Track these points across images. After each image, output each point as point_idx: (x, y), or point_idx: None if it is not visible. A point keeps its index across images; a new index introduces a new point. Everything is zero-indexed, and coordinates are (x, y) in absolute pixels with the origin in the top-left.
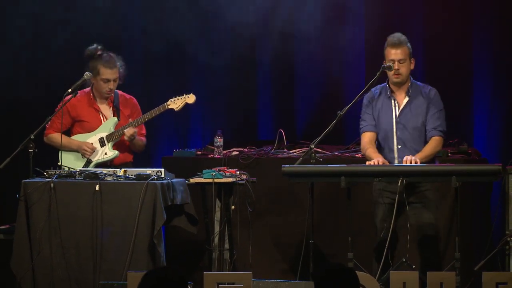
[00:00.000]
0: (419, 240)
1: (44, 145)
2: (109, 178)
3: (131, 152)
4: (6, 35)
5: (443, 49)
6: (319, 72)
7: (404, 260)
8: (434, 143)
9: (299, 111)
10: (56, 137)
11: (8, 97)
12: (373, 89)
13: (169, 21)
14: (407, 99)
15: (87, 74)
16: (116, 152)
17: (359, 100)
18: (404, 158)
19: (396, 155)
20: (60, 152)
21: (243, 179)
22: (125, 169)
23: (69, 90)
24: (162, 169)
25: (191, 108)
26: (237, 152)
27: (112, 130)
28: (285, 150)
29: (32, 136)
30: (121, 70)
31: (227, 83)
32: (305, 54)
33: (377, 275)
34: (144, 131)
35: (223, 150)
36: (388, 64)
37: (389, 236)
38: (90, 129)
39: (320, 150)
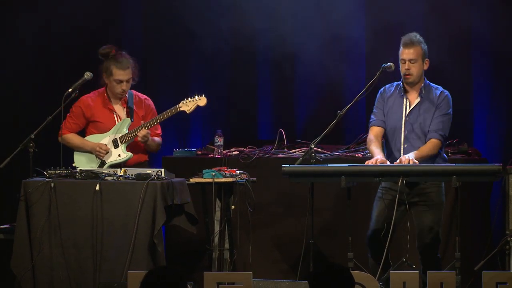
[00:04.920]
0: (420, 241)
1: (45, 145)
2: (109, 178)
3: (145, 153)
4: (6, 35)
5: (442, 49)
6: (319, 72)
7: (404, 260)
8: (430, 145)
9: (299, 111)
10: (71, 137)
11: (9, 97)
12: (387, 85)
13: (169, 21)
14: (419, 99)
15: (87, 74)
16: (130, 154)
17: (359, 100)
18: (399, 160)
19: (402, 153)
20: (61, 151)
21: (243, 179)
22: (125, 168)
23: (69, 90)
24: (162, 169)
25: (193, 111)
26: (237, 152)
27: (126, 131)
28: (285, 150)
29: (32, 136)
30: (134, 70)
31: (227, 82)
32: (305, 54)
33: (377, 275)
34: (159, 131)
35: (223, 149)
36: (388, 63)
37: (389, 236)
38: (104, 130)
39: (320, 150)
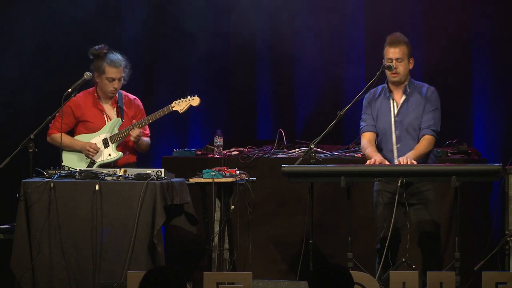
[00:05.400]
0: (420, 240)
1: (45, 145)
2: (109, 178)
3: (134, 153)
4: (6, 35)
5: (442, 49)
6: (319, 72)
7: (404, 260)
8: (425, 142)
9: (298, 111)
10: (59, 137)
11: (9, 96)
12: (372, 89)
13: (169, 21)
14: (404, 97)
15: (87, 74)
16: (120, 153)
17: (359, 100)
18: (399, 160)
19: (395, 154)
20: (61, 151)
21: (243, 179)
22: (125, 168)
23: (69, 90)
24: (162, 169)
25: (191, 107)
26: (237, 152)
27: (116, 131)
28: (285, 150)
29: (32, 136)
30: (126, 69)
31: (227, 83)
32: (305, 54)
33: (377, 275)
34: (148, 131)
35: (223, 150)
36: (388, 64)
37: (389, 236)
38: (94, 129)
39: (319, 150)
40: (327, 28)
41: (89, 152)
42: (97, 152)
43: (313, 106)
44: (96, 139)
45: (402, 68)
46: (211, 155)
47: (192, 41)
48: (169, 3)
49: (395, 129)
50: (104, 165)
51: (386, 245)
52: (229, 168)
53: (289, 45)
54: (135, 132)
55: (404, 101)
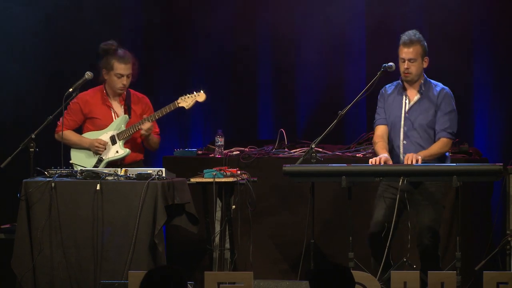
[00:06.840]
0: (420, 240)
1: (46, 145)
2: (110, 178)
3: (141, 151)
4: (7, 34)
5: (443, 48)
6: (320, 72)
7: (405, 259)
8: (441, 144)
9: (300, 110)
10: (68, 134)
11: (9, 96)
12: (388, 84)
13: (170, 21)
14: (418, 96)
15: (88, 74)
16: (128, 150)
17: (360, 100)
18: (406, 156)
19: (401, 150)
20: (62, 149)
21: (244, 179)
22: (126, 168)
23: (70, 90)
24: (163, 169)
25: (196, 103)
26: (238, 152)
27: (123, 128)
28: (286, 149)
29: (33, 136)
30: (134, 66)
31: (228, 82)
32: (306, 54)
33: (378, 275)
34: (157, 129)
35: (224, 149)
36: (389, 63)
37: (390, 235)
38: (102, 127)
39: (321, 149)
40: (328, 27)
41: (98, 148)
42: (106, 147)
43: (314, 106)
44: (104, 136)
45: (414, 69)
46: (212, 154)
47: (192, 41)
48: (170, 2)
49: (404, 125)
50: (112, 162)
51: (387, 245)
52: (230, 168)
53: (290, 45)
54: (146, 126)
55: (418, 100)
